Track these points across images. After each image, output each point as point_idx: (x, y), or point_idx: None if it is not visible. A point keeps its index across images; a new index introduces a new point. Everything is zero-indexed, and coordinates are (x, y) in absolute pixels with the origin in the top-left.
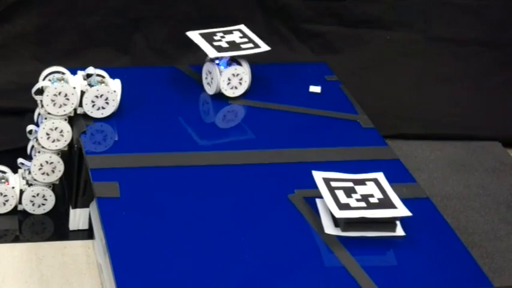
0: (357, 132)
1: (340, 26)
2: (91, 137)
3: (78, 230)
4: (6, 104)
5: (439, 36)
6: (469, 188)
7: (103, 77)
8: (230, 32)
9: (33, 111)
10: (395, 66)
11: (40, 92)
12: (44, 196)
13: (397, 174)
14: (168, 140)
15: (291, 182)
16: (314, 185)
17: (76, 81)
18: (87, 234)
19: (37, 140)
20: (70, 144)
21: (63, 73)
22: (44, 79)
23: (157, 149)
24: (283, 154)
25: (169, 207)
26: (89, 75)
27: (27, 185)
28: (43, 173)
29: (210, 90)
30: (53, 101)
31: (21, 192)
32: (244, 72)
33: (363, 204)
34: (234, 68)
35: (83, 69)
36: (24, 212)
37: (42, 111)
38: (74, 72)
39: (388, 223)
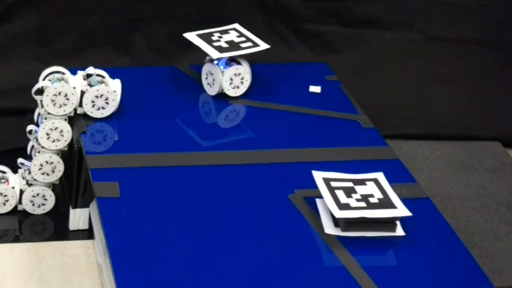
0: (357, 132)
1: (340, 26)
2: (91, 137)
3: (78, 230)
4: (6, 104)
5: (439, 36)
6: (469, 188)
7: (103, 77)
8: (226, 31)
9: (33, 111)
10: (395, 66)
11: (40, 92)
12: (44, 196)
13: (397, 174)
14: (168, 140)
15: (291, 182)
16: (314, 185)
17: (76, 81)
18: (87, 234)
19: (37, 140)
20: (70, 144)
21: (63, 73)
22: (44, 79)
23: (157, 149)
24: (283, 154)
25: (169, 207)
26: (89, 75)
27: (27, 185)
28: (43, 173)
29: (211, 91)
30: (53, 101)
31: (21, 192)
32: (245, 71)
33: (363, 204)
34: (236, 68)
35: (83, 69)
36: (24, 212)
37: (42, 111)
38: (74, 72)
39: (388, 223)
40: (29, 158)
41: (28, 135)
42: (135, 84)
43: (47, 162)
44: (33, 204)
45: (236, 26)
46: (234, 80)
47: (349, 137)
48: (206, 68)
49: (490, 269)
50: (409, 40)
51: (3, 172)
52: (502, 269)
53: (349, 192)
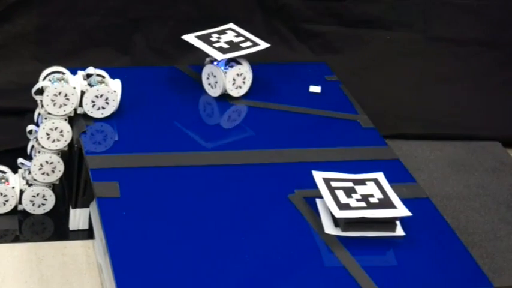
0: (357, 132)
1: (340, 26)
2: (91, 137)
3: (78, 230)
4: (6, 104)
5: (439, 36)
6: (469, 188)
7: (103, 77)
8: (223, 32)
9: (33, 111)
10: (395, 66)
11: (40, 92)
12: (44, 196)
13: (397, 174)
14: (168, 140)
15: (291, 182)
16: (314, 185)
17: (76, 81)
18: (87, 234)
19: (37, 140)
20: (70, 144)
21: (63, 73)
22: (44, 79)
23: (157, 149)
24: (283, 154)
25: (169, 207)
26: (89, 75)
27: (27, 185)
28: (43, 173)
29: (214, 92)
30: (53, 101)
31: (21, 192)
32: (246, 71)
33: (363, 204)
34: (238, 68)
35: (83, 69)
36: (24, 212)
37: (42, 111)
38: (74, 72)
39: (388, 223)
40: (29, 158)
41: (28, 135)
42: (135, 84)
43: (47, 162)
44: (33, 204)
45: (231, 25)
46: (236, 80)
47: (349, 137)
48: (207, 70)
49: (490, 269)
50: (409, 40)
51: (3, 172)
52: (502, 269)
53: (349, 192)
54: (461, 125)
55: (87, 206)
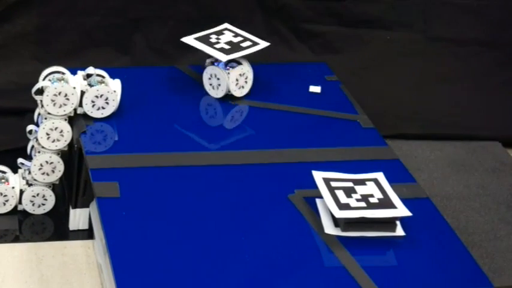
0: (357, 132)
1: (340, 26)
2: (91, 137)
3: (78, 230)
4: (6, 104)
5: (439, 36)
6: (469, 188)
7: (103, 77)
8: (221, 32)
9: (33, 111)
10: (395, 66)
11: (40, 92)
12: (44, 196)
13: (397, 174)
14: (168, 140)
15: (291, 182)
16: (314, 185)
17: (76, 81)
18: (87, 234)
19: (37, 140)
20: (70, 144)
21: (63, 73)
22: (44, 79)
23: (157, 149)
24: (283, 154)
25: (169, 207)
26: (89, 75)
27: (27, 185)
28: (43, 173)
29: (216, 93)
30: (53, 101)
31: (21, 192)
32: (248, 70)
33: (363, 204)
34: (241, 68)
35: (83, 69)
36: (24, 212)
37: (42, 111)
38: (74, 72)
39: (388, 223)
40: (29, 158)
41: (28, 135)
42: (135, 84)
43: (47, 162)
44: (33, 204)
45: (227, 25)
46: (239, 81)
47: (349, 137)
48: (209, 71)
49: (490, 269)
50: (409, 40)
51: (3, 172)
52: (502, 269)
53: (349, 192)
54: (461, 125)
55: (87, 206)
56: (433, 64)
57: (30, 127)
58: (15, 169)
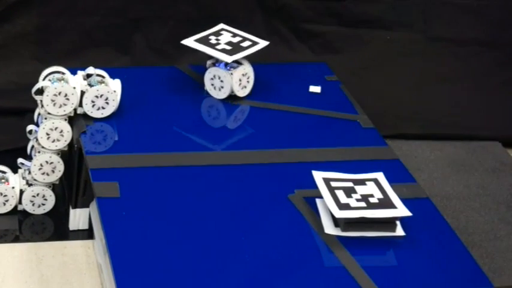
0: (357, 132)
1: (340, 26)
2: (91, 137)
3: (78, 230)
4: (6, 104)
5: (439, 36)
6: (469, 188)
7: (103, 77)
8: (218, 33)
9: (33, 111)
10: (395, 66)
11: (40, 92)
12: (44, 196)
13: (397, 174)
14: (168, 140)
15: (291, 182)
16: (314, 185)
17: (76, 81)
18: (87, 234)
19: (37, 140)
20: (70, 144)
21: (63, 73)
22: (44, 79)
23: (157, 149)
24: (283, 154)
25: (169, 207)
26: (89, 75)
27: (27, 185)
28: (43, 173)
29: (220, 94)
30: (53, 101)
31: (21, 192)
32: (250, 70)
33: (363, 204)
34: (243, 68)
35: (83, 69)
36: (24, 212)
37: (42, 111)
38: (74, 72)
39: (388, 223)
40: (29, 158)
41: (28, 135)
42: (135, 84)
43: (47, 162)
44: (33, 204)
45: (223, 26)
46: (242, 81)
47: (349, 137)
48: (212, 73)
49: (490, 269)
50: (409, 40)
51: (3, 172)
52: (502, 269)
53: (349, 192)
54: (461, 125)
55: (87, 206)
56: (433, 64)
57: (30, 127)
58: (15, 169)
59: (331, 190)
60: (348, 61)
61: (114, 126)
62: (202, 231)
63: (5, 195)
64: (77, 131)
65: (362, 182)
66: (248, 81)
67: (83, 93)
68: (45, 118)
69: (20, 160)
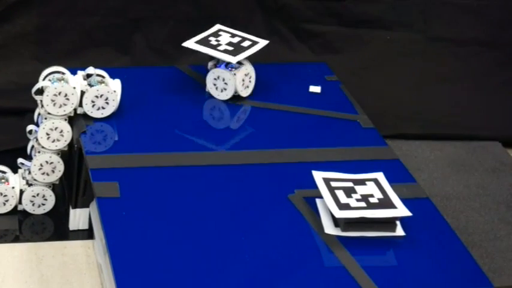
0: (357, 132)
1: (340, 26)
2: (91, 137)
3: (78, 230)
4: (6, 104)
5: (439, 36)
6: (469, 188)
7: (103, 77)
8: (217, 34)
9: (33, 111)
10: (395, 66)
11: (40, 92)
12: (44, 196)
13: (397, 174)
14: (168, 140)
15: (291, 182)
16: (314, 185)
17: (76, 81)
18: (87, 234)
19: (37, 140)
20: (70, 144)
21: (63, 73)
22: (44, 79)
23: (157, 149)
24: (283, 154)
25: (169, 207)
26: (89, 75)
27: (27, 185)
28: (43, 173)
29: (221, 95)
30: (53, 101)
31: (21, 192)
32: (251, 69)
33: (363, 204)
34: (245, 68)
35: (83, 69)
36: (24, 212)
37: (42, 111)
38: (74, 72)
39: (388, 223)
40: (29, 158)
41: (28, 135)
42: (135, 84)
43: (47, 162)
44: (33, 204)
45: (219, 26)
46: (245, 81)
47: (349, 137)
48: (214, 74)
49: (490, 269)
50: (409, 40)
51: (3, 172)
52: (502, 269)
53: (349, 192)
54: (461, 125)
55: (87, 206)
56: (433, 64)
57: (30, 127)
58: (15, 169)
59: (331, 190)
60: (348, 61)
61: (114, 126)
62: (202, 231)
63: (5, 195)
64: (77, 131)
65: (362, 182)
66: (250, 81)
67: (83, 93)
68: (45, 118)
69: (20, 160)
